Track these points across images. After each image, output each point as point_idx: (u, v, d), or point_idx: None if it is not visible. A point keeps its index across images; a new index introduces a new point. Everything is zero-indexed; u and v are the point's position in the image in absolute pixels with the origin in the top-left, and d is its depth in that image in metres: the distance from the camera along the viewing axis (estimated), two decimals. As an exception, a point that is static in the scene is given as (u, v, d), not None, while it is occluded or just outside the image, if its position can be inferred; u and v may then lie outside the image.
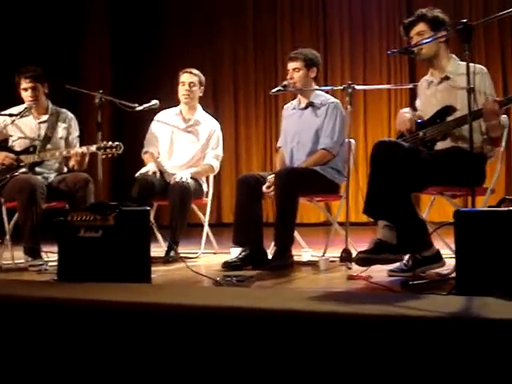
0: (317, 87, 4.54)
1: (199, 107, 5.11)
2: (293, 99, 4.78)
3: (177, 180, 4.62)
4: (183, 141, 5.01)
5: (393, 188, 3.26)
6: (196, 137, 5.02)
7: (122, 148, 4.37)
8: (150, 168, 4.74)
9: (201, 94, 5.07)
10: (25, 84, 4.58)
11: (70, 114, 4.80)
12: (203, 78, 5.05)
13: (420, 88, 3.96)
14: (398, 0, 8.34)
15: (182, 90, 4.97)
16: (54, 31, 8.30)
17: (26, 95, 4.60)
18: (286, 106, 4.77)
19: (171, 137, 5.02)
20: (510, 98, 3.42)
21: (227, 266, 4.01)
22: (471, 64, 3.29)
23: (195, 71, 5.00)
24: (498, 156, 3.78)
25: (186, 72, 4.98)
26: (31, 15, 8.04)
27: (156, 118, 5.11)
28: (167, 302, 2.62)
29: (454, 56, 3.75)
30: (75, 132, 4.78)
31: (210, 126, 5.07)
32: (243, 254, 4.09)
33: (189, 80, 4.95)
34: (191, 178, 4.72)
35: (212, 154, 5.01)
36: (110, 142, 4.36)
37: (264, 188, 4.19)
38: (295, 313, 2.33)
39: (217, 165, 5.04)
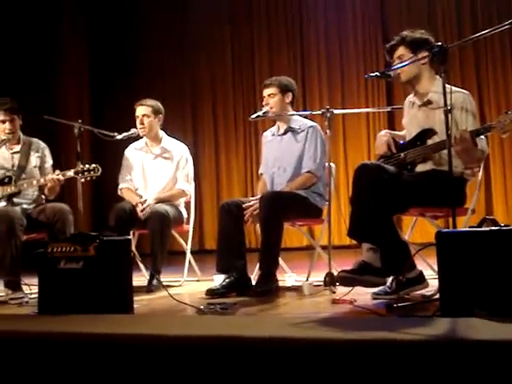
0: (295, 112, 4.56)
1: (164, 135, 5.06)
2: (272, 126, 4.79)
3: (140, 209, 4.61)
4: (154, 171, 4.99)
5: (376, 210, 3.26)
6: (166, 165, 4.99)
7: (100, 170, 4.33)
8: (136, 201, 4.72)
9: (160, 122, 5.00)
10: (2, 117, 4.56)
11: (42, 144, 4.79)
12: (159, 107, 4.98)
13: (405, 107, 3.93)
14: (374, 24, 8.44)
15: (138, 125, 4.92)
16: (31, 60, 8.28)
17: (4, 128, 4.57)
18: (265, 134, 4.77)
19: (143, 170, 5.01)
20: (486, 128, 3.33)
21: (211, 293, 3.97)
22: (456, 89, 3.30)
23: (149, 101, 4.95)
24: (477, 177, 3.80)
25: (139, 105, 4.94)
26: (8, 44, 8.02)
27: (126, 152, 5.09)
28: (150, 332, 2.58)
29: (438, 77, 3.62)
30: (49, 160, 4.77)
31: (178, 151, 5.03)
32: (227, 281, 4.06)
33: (142, 113, 4.90)
34: (167, 204, 4.71)
35: (181, 178, 4.97)
36: (87, 165, 4.32)
37: (248, 213, 4.17)
38: (281, 340, 2.31)
39: (187, 188, 4.99)
